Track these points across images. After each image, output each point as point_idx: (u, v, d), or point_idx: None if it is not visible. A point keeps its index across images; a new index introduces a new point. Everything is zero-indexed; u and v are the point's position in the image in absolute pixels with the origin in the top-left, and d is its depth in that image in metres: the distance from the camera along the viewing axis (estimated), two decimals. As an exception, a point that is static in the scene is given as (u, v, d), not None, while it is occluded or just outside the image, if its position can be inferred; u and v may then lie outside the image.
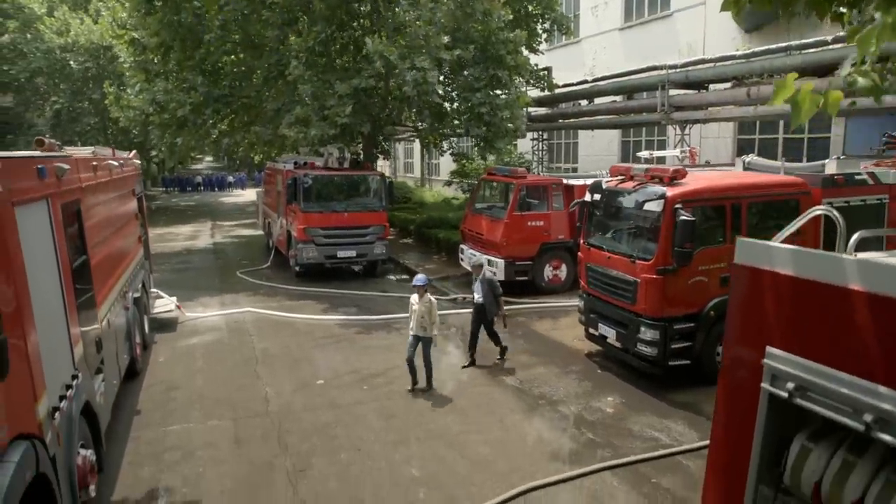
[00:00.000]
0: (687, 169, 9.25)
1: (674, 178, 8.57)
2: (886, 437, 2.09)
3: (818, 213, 3.12)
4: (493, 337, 9.87)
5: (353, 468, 6.72)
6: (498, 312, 9.65)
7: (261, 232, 23.02)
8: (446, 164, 31.44)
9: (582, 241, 10.08)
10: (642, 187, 8.83)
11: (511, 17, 15.94)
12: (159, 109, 16.38)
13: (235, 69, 17.61)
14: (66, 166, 5.71)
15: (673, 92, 17.23)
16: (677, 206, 8.18)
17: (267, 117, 17.22)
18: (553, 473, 6.55)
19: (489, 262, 13.04)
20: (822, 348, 2.42)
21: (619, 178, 9.52)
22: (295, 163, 16.37)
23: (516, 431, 7.68)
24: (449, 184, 28.94)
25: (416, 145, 40.42)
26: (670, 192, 8.35)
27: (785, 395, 2.47)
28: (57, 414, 4.81)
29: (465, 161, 23.36)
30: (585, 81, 21.26)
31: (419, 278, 8.99)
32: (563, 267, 13.92)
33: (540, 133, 27.00)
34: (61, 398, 4.99)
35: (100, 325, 6.83)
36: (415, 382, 8.81)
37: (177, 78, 16.80)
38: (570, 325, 11.48)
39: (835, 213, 2.80)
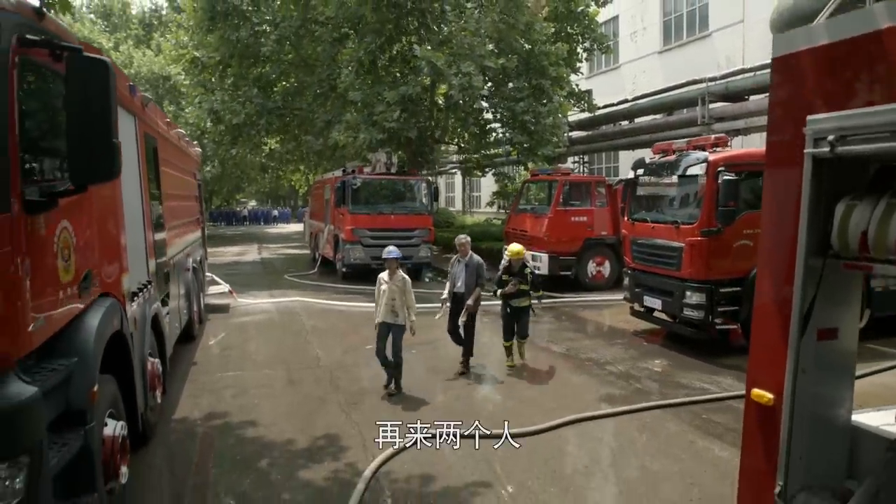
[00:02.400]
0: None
1: (715, 146, 8.74)
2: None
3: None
4: (468, 337, 7.95)
5: (402, 403, 6.87)
6: (473, 306, 7.80)
7: (306, 251, 23.69)
8: (487, 192, 31.96)
9: (626, 218, 10.23)
10: (685, 156, 9.01)
11: (553, 29, 16.54)
12: (216, 120, 17.35)
13: (288, 84, 18.60)
14: (151, 98, 6.26)
15: (713, 106, 17.42)
16: (720, 168, 8.32)
17: (317, 129, 18.04)
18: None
19: (533, 257, 13.22)
20: (859, 96, 2.60)
21: (662, 153, 9.72)
22: (343, 170, 17.03)
23: (563, 381, 7.76)
24: (491, 204, 29.37)
25: (457, 179, 41.37)
26: (712, 156, 8.52)
27: (827, 149, 2.64)
28: (135, 300, 5.18)
29: (507, 181, 23.79)
30: (625, 101, 21.62)
31: (390, 250, 7.14)
32: (607, 263, 13.99)
33: (581, 157, 27.31)
34: (138, 290, 5.37)
35: (168, 261, 7.27)
36: (390, 381, 7.19)
37: (233, 91, 17.84)
38: (615, 313, 11.51)
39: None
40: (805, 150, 2.75)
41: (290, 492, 4.85)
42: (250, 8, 16.64)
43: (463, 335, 8.01)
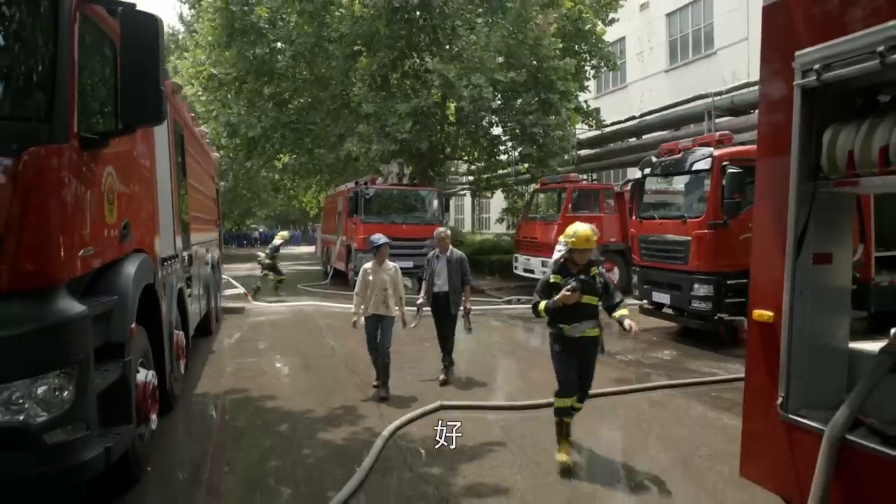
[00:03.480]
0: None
1: (720, 142, 8.99)
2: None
3: None
4: (449, 343, 7.17)
5: (418, 385, 7.02)
6: (464, 305, 7.04)
7: (317, 267, 23.98)
8: (496, 213, 32.28)
9: (633, 217, 10.45)
10: (691, 153, 9.26)
11: (561, 44, 16.99)
12: (232, 133, 17.83)
13: (302, 100, 19.11)
14: (181, 84, 6.61)
15: (719, 120, 17.72)
16: (725, 163, 8.55)
17: (330, 143, 18.47)
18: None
19: (543, 262, 13.41)
20: (839, 27, 2.84)
21: (668, 152, 9.98)
22: (356, 182, 17.38)
23: (573, 368, 7.89)
24: (501, 221, 29.65)
25: (467, 201, 41.79)
26: (717, 152, 8.76)
27: (813, 78, 2.88)
28: (163, 266, 5.44)
29: (516, 198, 24.13)
30: (633, 117, 21.99)
31: (380, 236, 6.63)
32: (616, 270, 14.15)
33: (589, 174, 27.62)
34: (167, 259, 5.63)
35: (191, 245, 7.55)
36: (379, 378, 6.59)
37: (249, 106, 18.35)
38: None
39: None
40: (794, 83, 3.00)
41: (311, 448, 5.03)
42: (267, 25, 17.20)
43: (441, 339, 7.18)
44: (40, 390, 3.03)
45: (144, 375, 4.34)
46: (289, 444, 5.14)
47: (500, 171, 23.47)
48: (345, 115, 18.32)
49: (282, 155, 20.18)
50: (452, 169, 28.14)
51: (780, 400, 3.08)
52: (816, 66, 2.86)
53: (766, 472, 3.29)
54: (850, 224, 3.37)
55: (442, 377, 7.03)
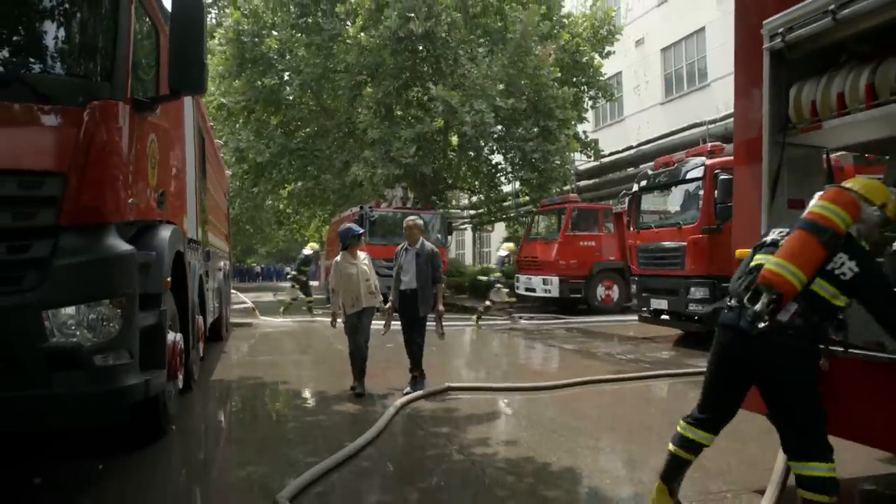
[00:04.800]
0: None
1: (712, 153, 9.45)
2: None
3: None
4: (416, 349, 6.16)
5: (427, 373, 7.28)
6: (435, 307, 6.20)
7: (320, 296, 24.27)
8: (497, 243, 32.78)
9: (632, 229, 10.83)
10: (683, 163, 9.71)
11: (559, 73, 17.68)
12: (240, 158, 18.41)
13: (309, 129, 19.77)
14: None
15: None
16: (717, 171, 8.99)
17: (336, 169, 19.03)
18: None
19: (544, 280, 13.79)
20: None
21: (664, 165, 10.44)
22: (360, 206, 17.84)
23: (575, 363, 8.16)
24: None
25: (468, 235, 42.35)
26: (709, 161, 9.21)
27: (779, 40, 3.30)
28: (189, 245, 5.79)
29: (517, 227, 24.60)
30: (631, 147, 22.63)
31: (354, 227, 6.44)
32: (615, 287, 14.48)
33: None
34: (191, 240, 5.99)
35: (209, 241, 7.91)
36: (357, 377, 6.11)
37: (257, 133, 18.99)
38: (625, 328, 11.93)
39: None
40: (763, 47, 3.43)
41: (326, 416, 5.31)
42: (276, 56, 17.92)
43: (408, 344, 6.23)
44: (91, 317, 3.35)
45: (173, 336, 4.65)
46: (304, 412, 5.42)
47: (504, 203, 24.02)
48: (350, 143, 18.93)
49: (287, 183, 20.73)
50: (454, 202, 28.64)
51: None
52: (781, 30, 3.29)
53: (752, 397, 3.58)
54: (821, 178, 3.75)
55: (408, 389, 5.96)
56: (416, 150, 16.15)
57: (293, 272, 15.48)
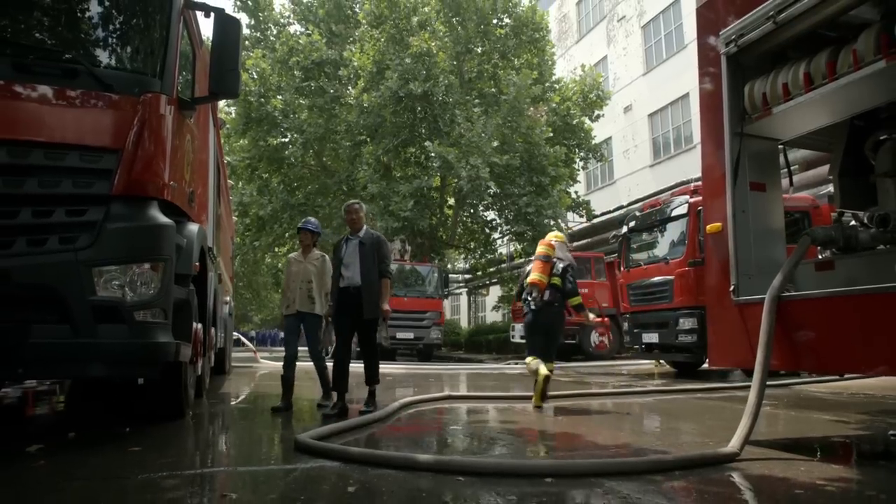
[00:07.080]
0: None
1: (695, 191, 10.07)
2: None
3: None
4: (367, 359, 5.61)
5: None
6: (381, 306, 5.21)
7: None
8: (491, 306, 33.14)
9: (622, 269, 11.31)
10: (670, 203, 10.32)
11: (551, 133, 18.63)
12: (243, 212, 19.04)
13: (310, 186, 20.56)
14: (226, 124, 7.72)
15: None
16: (700, 207, 9.56)
17: (336, 224, 19.64)
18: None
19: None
20: (752, 5, 3.89)
21: (651, 207, 11.05)
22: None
23: (568, 389, 8.43)
24: (496, 308, 30.31)
25: (463, 300, 42.71)
26: (692, 199, 9.81)
27: (733, 44, 3.91)
28: (209, 252, 6.21)
29: (511, 286, 25.03)
30: (621, 206, 23.45)
31: (307, 220, 6.03)
32: (609, 334, 14.78)
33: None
34: (210, 248, 6.42)
35: (220, 266, 8.32)
36: (288, 398, 5.73)
37: (259, 191, 19.72)
38: (618, 369, 12.19)
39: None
40: (720, 53, 4.04)
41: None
42: (280, 116, 18.86)
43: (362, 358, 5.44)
44: (133, 277, 3.76)
45: (195, 325, 5.01)
46: (316, 411, 5.69)
47: (501, 265, 24.54)
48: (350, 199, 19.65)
49: (289, 239, 21.34)
50: (449, 265, 29.18)
51: (732, 287, 3.84)
52: (734, 37, 3.90)
53: (727, 353, 3.97)
54: (777, 167, 4.28)
55: (362, 407, 5.30)
56: (414, 205, 16.82)
57: None
